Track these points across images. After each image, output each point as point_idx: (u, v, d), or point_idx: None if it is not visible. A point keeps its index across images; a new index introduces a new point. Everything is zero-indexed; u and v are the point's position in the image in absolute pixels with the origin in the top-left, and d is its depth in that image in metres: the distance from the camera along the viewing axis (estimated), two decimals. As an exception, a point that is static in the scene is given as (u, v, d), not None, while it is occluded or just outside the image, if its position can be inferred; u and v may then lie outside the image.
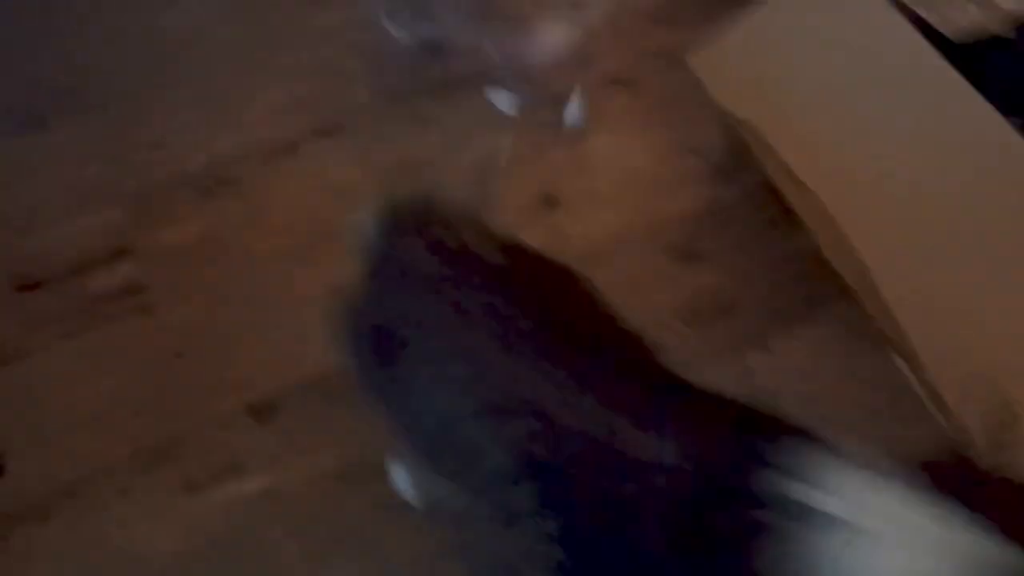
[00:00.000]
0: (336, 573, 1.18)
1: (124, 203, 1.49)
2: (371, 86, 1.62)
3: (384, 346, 0.89)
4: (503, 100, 1.60)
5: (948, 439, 1.12)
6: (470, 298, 0.83)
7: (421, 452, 0.95)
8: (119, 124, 1.59)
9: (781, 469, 0.65)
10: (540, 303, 0.85)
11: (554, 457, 0.74)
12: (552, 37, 1.62)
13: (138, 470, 1.25)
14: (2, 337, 1.37)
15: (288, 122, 1.58)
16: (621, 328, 0.86)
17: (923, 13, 1.23)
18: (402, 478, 1.17)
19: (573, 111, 1.64)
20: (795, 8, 1.30)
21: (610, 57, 1.65)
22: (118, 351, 1.36)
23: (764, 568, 0.65)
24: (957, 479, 0.69)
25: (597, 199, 1.50)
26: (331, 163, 1.54)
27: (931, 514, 0.62)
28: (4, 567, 1.20)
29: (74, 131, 1.58)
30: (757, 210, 1.47)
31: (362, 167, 1.52)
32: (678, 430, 0.72)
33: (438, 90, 1.62)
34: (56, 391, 1.33)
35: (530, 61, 1.62)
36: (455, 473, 0.87)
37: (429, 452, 0.91)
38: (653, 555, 0.71)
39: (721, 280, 1.41)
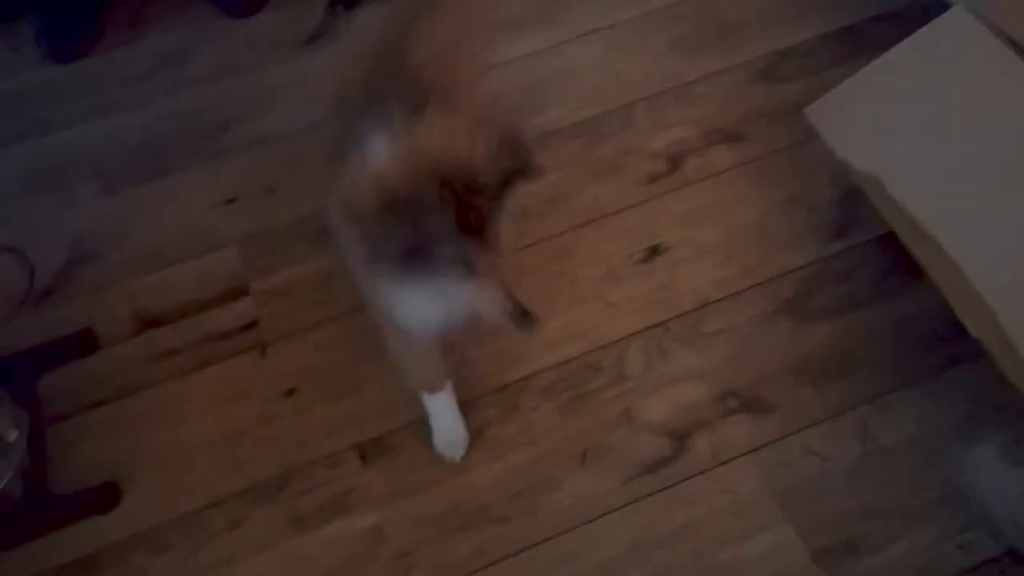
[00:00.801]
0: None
1: (242, 245, 1.56)
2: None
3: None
4: None
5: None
6: None
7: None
8: (236, 171, 1.67)
9: None
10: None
11: None
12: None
13: (248, 504, 1.28)
14: (125, 370, 1.44)
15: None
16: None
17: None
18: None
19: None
20: (914, 57, 1.27)
21: (715, 112, 1.65)
22: (233, 386, 1.40)
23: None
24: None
25: (704, 251, 1.48)
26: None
27: None
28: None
29: (196, 177, 1.67)
30: (874, 266, 1.42)
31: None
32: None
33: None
34: (173, 423, 1.38)
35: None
36: None
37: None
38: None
39: (837, 338, 1.36)
